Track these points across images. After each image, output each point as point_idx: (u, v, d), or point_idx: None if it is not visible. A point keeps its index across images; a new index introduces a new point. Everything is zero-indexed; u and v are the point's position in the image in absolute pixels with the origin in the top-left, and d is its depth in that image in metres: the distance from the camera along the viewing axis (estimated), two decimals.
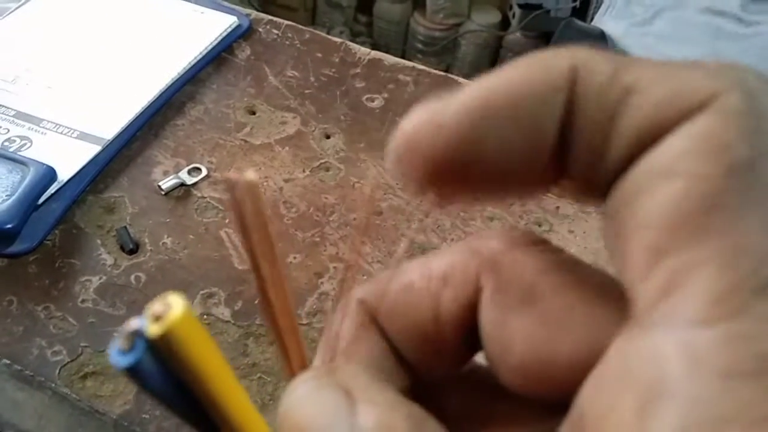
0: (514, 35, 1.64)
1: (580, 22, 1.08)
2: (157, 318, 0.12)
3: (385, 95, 0.56)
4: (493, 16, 1.69)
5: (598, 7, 1.27)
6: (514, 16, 1.63)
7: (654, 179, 0.13)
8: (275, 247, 0.14)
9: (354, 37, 1.72)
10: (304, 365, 0.16)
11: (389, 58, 0.59)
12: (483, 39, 1.69)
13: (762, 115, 0.13)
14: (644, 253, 0.13)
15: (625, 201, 0.14)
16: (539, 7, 1.58)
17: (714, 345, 0.12)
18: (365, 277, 0.43)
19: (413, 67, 0.59)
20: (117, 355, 0.12)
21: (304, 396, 0.15)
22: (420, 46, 1.71)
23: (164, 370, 0.12)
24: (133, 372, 0.12)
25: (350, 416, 0.15)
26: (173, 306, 0.12)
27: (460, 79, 0.58)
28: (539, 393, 0.15)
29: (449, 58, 1.73)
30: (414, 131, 0.15)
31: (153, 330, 0.12)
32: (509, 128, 0.14)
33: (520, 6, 1.58)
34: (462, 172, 0.15)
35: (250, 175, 0.14)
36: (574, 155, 0.15)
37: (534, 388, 0.15)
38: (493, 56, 1.73)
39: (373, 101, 0.56)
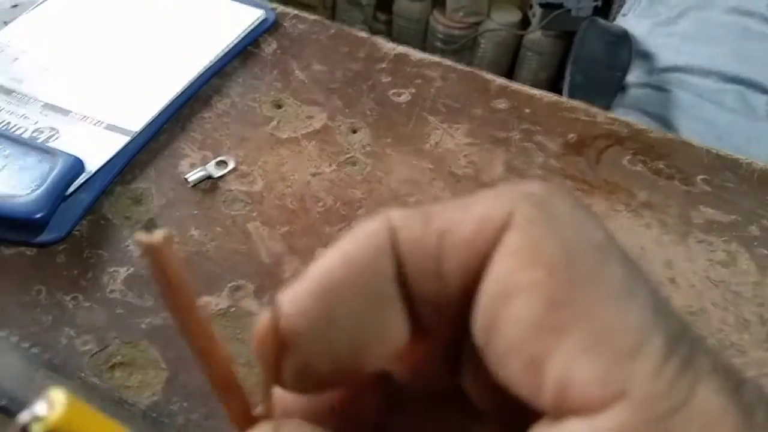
0: (534, 34, 1.62)
1: (603, 21, 1.07)
2: (39, 418, 0.12)
3: (412, 90, 0.56)
4: (513, 15, 1.68)
5: (620, 7, 1.26)
6: (534, 15, 1.62)
7: (498, 306, 0.14)
8: (195, 303, 0.15)
9: (373, 35, 1.72)
10: (248, 418, 0.17)
11: (415, 54, 0.59)
12: (502, 38, 1.68)
13: (553, 214, 0.15)
14: (525, 371, 0.14)
15: (486, 335, 0.15)
16: (560, 6, 1.57)
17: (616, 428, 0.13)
18: None
19: (440, 62, 0.58)
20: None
21: None
22: (439, 44, 1.71)
23: None
24: None
25: None
26: (55, 404, 0.12)
27: (487, 75, 0.58)
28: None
29: (468, 56, 1.72)
30: (262, 335, 0.16)
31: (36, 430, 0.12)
32: (353, 303, 0.16)
33: (541, 5, 1.57)
34: (325, 356, 0.16)
35: (159, 235, 0.14)
36: (419, 307, 0.16)
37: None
38: (512, 55, 1.72)
39: (399, 96, 0.55)
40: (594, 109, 0.55)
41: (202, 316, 0.15)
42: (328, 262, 0.16)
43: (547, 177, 0.50)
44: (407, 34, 1.73)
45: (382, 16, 1.78)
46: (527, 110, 0.55)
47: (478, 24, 1.69)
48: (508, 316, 0.14)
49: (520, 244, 0.15)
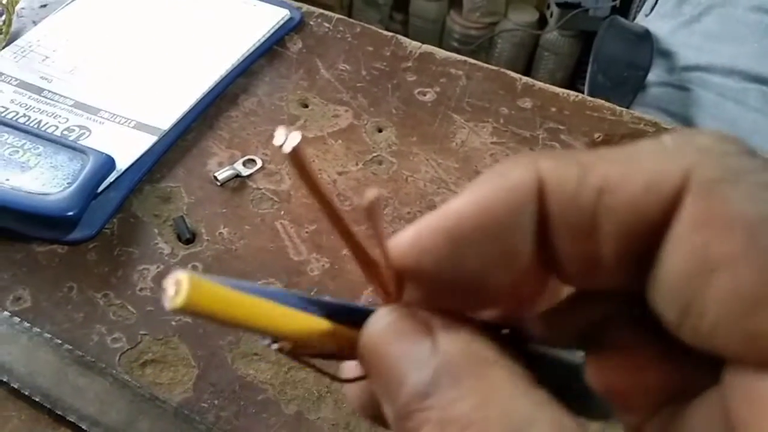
0: (552, 34, 1.62)
1: (624, 21, 1.07)
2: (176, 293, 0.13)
3: (437, 89, 0.56)
4: (530, 15, 1.67)
5: (640, 6, 1.25)
6: (551, 14, 1.61)
7: (696, 284, 0.13)
8: (330, 193, 0.16)
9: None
10: (388, 291, 0.17)
11: (440, 52, 0.59)
12: (519, 38, 1.67)
13: (735, 170, 0.13)
14: (745, 344, 0.13)
15: (683, 313, 0.14)
16: (578, 5, 1.56)
17: None
18: None
19: (465, 60, 0.58)
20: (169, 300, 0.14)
21: (386, 326, 0.16)
22: (456, 44, 1.71)
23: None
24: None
25: (431, 344, 0.15)
26: (182, 284, 0.13)
27: (512, 74, 0.57)
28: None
29: (485, 56, 1.72)
30: (399, 254, 0.16)
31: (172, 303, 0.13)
32: (484, 250, 0.15)
33: (558, 4, 1.57)
34: (448, 291, 0.16)
35: (294, 138, 0.14)
36: (563, 263, 0.15)
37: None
38: (529, 55, 1.71)
39: (424, 95, 0.55)
40: (619, 108, 0.55)
41: (337, 203, 0.16)
42: (462, 206, 0.15)
43: None
44: (424, 34, 1.73)
45: (399, 16, 1.78)
46: (553, 109, 0.55)
47: (494, 24, 1.69)
48: (714, 294, 0.13)
49: (708, 210, 0.13)
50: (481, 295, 0.16)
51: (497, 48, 1.70)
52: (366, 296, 0.42)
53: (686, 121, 0.95)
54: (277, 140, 0.14)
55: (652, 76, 1.01)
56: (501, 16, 1.69)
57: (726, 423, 0.14)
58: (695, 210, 0.13)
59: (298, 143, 0.14)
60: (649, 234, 0.14)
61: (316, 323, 0.16)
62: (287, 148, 0.14)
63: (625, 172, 0.14)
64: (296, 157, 0.14)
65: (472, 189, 0.15)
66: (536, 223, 0.15)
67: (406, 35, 0.60)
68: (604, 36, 1.00)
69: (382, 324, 0.16)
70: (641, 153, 0.14)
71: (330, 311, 0.17)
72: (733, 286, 0.13)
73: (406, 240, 0.16)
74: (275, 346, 0.16)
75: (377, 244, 0.16)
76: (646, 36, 1.00)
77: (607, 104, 0.56)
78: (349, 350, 0.17)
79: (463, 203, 0.15)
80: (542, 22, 1.67)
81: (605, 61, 0.96)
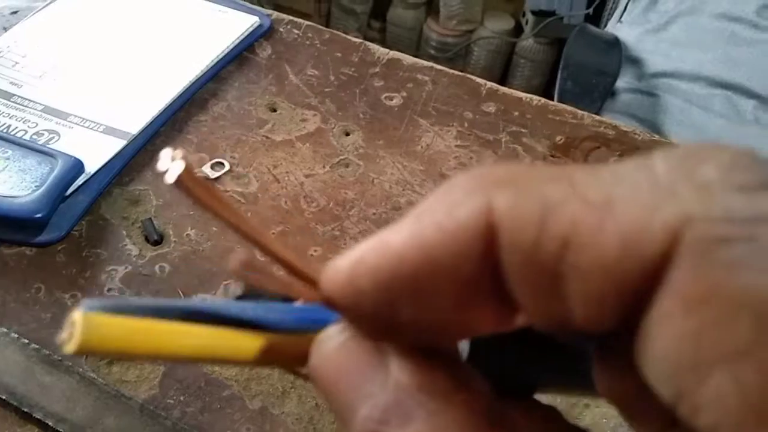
0: (527, 41, 1.64)
1: (593, 28, 1.09)
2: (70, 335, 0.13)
3: (404, 94, 0.57)
4: (506, 23, 1.70)
5: (611, 14, 1.28)
6: (527, 22, 1.64)
7: (693, 379, 0.10)
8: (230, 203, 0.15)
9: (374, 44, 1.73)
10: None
11: (407, 58, 0.60)
12: (496, 45, 1.70)
13: (750, 219, 0.10)
14: None
15: (686, 407, 0.11)
16: (552, 13, 1.59)
17: None
18: None
19: (431, 66, 0.60)
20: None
21: (336, 349, 0.15)
22: (433, 52, 1.73)
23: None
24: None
25: (383, 375, 0.14)
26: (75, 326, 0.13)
27: (477, 79, 0.59)
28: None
29: (462, 64, 1.74)
30: (333, 288, 0.15)
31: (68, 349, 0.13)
32: (425, 297, 0.14)
33: (533, 12, 1.59)
34: (389, 329, 0.15)
35: (178, 162, 0.13)
36: (527, 313, 0.13)
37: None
38: (505, 62, 1.74)
39: (391, 100, 0.57)
40: (581, 112, 0.57)
41: (237, 210, 0.15)
42: (402, 247, 0.13)
43: None
44: (401, 42, 1.75)
45: (376, 24, 1.80)
46: (516, 113, 0.56)
47: (471, 32, 1.71)
48: (712, 395, 0.10)
49: (703, 284, 0.10)
50: (426, 334, 0.15)
51: (474, 55, 1.72)
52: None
53: (655, 127, 0.97)
54: (161, 166, 0.13)
55: (621, 83, 1.03)
56: (477, 24, 1.71)
57: None
58: (686, 283, 0.10)
59: (183, 170, 0.13)
60: (628, 300, 0.11)
61: (247, 341, 0.15)
62: (170, 179, 0.13)
63: (597, 221, 0.11)
64: (184, 185, 0.13)
65: (415, 222, 0.13)
66: (488, 272, 0.13)
67: (383, 43, 0.62)
68: (574, 43, 1.02)
69: (333, 346, 0.15)
70: (624, 189, 0.11)
71: (267, 319, 0.15)
72: (736, 389, 0.10)
73: (340, 276, 0.14)
74: None
75: (295, 273, 0.15)
76: (614, 43, 1.03)
77: (569, 108, 0.57)
78: (295, 360, 0.16)
79: (403, 243, 0.13)
80: (518, 30, 1.70)
81: (574, 67, 0.98)
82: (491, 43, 1.69)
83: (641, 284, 0.11)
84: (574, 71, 0.98)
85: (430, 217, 0.13)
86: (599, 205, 0.11)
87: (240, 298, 0.15)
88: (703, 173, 0.11)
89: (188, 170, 0.13)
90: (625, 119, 0.98)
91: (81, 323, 0.12)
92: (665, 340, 0.11)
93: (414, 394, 0.14)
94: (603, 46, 1.03)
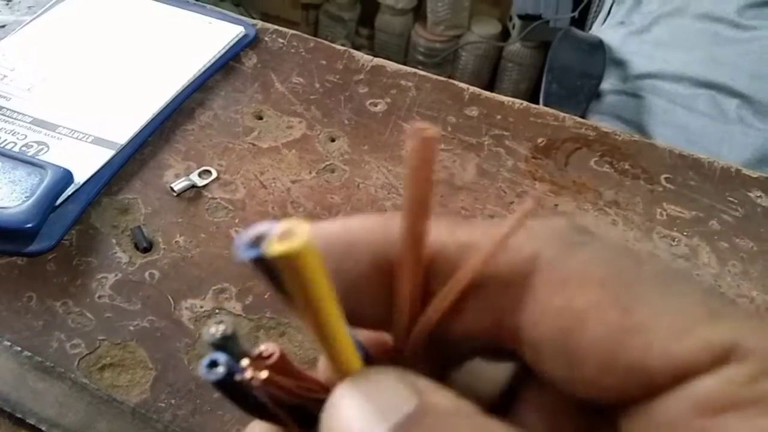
0: (514, 46, 1.66)
1: (578, 31, 1.10)
2: (284, 238, 0.12)
3: (388, 100, 0.58)
4: (493, 27, 1.71)
5: (596, 17, 1.30)
6: (513, 27, 1.65)
7: (571, 334, 0.15)
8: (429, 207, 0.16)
9: (356, 49, 1.75)
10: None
11: (391, 65, 0.61)
12: (483, 50, 1.71)
13: (576, 242, 0.16)
14: (627, 374, 0.14)
15: (567, 363, 0.15)
16: (539, 17, 1.60)
17: None
18: None
19: (415, 72, 0.61)
20: (244, 247, 0.13)
21: (350, 407, 0.15)
22: (421, 57, 1.74)
23: (277, 275, 0.13)
24: (251, 263, 0.13)
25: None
26: (297, 235, 0.12)
27: (461, 84, 0.60)
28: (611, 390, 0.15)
29: (450, 69, 1.75)
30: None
31: (273, 249, 0.12)
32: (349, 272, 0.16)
33: (520, 17, 1.61)
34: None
35: (431, 131, 0.14)
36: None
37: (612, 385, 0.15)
38: (493, 67, 1.75)
39: (376, 106, 0.58)
40: (562, 114, 0.58)
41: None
42: (331, 229, 0.16)
43: (517, 179, 0.52)
44: (389, 49, 1.76)
45: (365, 31, 1.81)
46: (498, 117, 0.57)
47: (458, 37, 1.73)
48: (589, 340, 0.15)
49: (560, 274, 0.15)
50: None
51: (461, 60, 1.73)
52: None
53: (640, 128, 0.98)
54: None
55: (606, 85, 1.04)
56: (465, 29, 1.73)
57: None
58: (549, 276, 0.15)
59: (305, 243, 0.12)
60: (505, 293, 0.16)
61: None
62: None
63: (485, 234, 0.16)
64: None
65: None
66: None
67: (371, 50, 0.63)
68: (558, 47, 1.03)
69: (346, 405, 0.15)
70: (503, 225, 0.16)
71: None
72: (602, 327, 0.14)
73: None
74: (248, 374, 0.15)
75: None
76: (599, 46, 1.04)
77: (551, 111, 0.58)
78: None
79: (333, 228, 0.17)
80: (505, 34, 1.71)
81: (559, 70, 1.00)
82: (479, 47, 1.70)
83: (515, 279, 0.16)
84: (558, 74, 0.99)
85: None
86: (486, 228, 0.16)
87: (225, 338, 0.15)
88: (555, 224, 0.17)
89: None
90: (610, 121, 0.99)
91: (308, 233, 0.12)
92: (547, 316, 0.15)
93: None
94: (587, 49, 1.04)
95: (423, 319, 0.16)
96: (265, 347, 0.16)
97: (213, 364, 0.15)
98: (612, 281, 0.15)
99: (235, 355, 0.15)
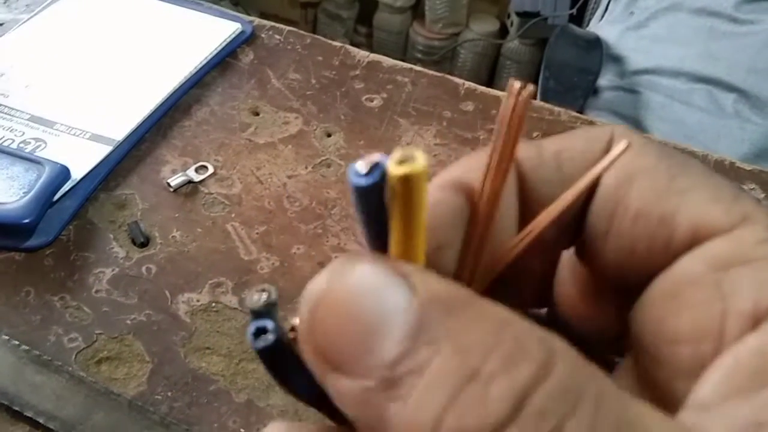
0: (513, 43, 1.66)
1: (575, 28, 1.11)
2: (401, 162, 0.13)
3: (384, 95, 0.58)
4: (492, 25, 1.72)
5: (593, 14, 1.30)
6: (512, 24, 1.65)
7: (621, 189, 0.18)
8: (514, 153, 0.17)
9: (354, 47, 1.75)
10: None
11: (387, 60, 0.62)
12: (482, 47, 1.71)
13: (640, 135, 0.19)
14: (659, 226, 0.17)
15: (610, 215, 0.18)
16: (537, 14, 1.60)
17: None
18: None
19: (411, 68, 0.61)
20: (355, 174, 0.14)
21: (357, 275, 0.14)
22: (419, 55, 1.74)
23: (380, 202, 0.14)
24: (362, 191, 0.14)
25: (409, 286, 0.13)
26: (417, 159, 0.13)
27: (456, 79, 0.60)
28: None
29: (449, 66, 1.75)
30: None
31: (396, 171, 0.13)
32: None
33: (518, 14, 1.61)
34: None
35: (529, 88, 0.16)
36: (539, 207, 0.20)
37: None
38: (492, 64, 1.75)
39: (372, 101, 0.58)
40: (557, 109, 0.58)
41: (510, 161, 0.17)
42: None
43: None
44: (387, 47, 1.77)
45: (363, 29, 1.82)
46: (493, 111, 0.57)
47: (457, 35, 1.73)
48: (635, 191, 0.17)
49: (631, 144, 0.18)
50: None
51: (460, 58, 1.73)
52: None
53: (636, 123, 0.99)
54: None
55: (603, 81, 1.05)
56: (463, 27, 1.73)
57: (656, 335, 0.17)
58: (618, 147, 0.18)
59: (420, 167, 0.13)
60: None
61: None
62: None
63: (568, 140, 0.19)
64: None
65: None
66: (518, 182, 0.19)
67: (370, 48, 0.63)
68: (556, 43, 1.03)
69: (352, 272, 0.14)
70: (575, 133, 0.19)
71: None
72: (648, 184, 0.17)
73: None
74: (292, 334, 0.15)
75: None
76: (596, 42, 1.04)
77: (546, 105, 0.59)
78: None
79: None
80: (503, 32, 1.72)
81: (556, 67, 1.00)
82: (477, 45, 1.71)
83: (598, 156, 0.18)
84: (556, 70, 0.99)
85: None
86: (567, 136, 0.20)
87: (269, 305, 0.14)
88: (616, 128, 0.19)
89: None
90: (607, 116, 1.00)
91: (425, 158, 0.13)
92: (610, 174, 0.18)
93: (450, 294, 0.13)
94: (584, 45, 1.04)
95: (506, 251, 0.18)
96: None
97: (259, 332, 0.14)
98: (666, 156, 0.18)
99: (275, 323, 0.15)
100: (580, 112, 0.85)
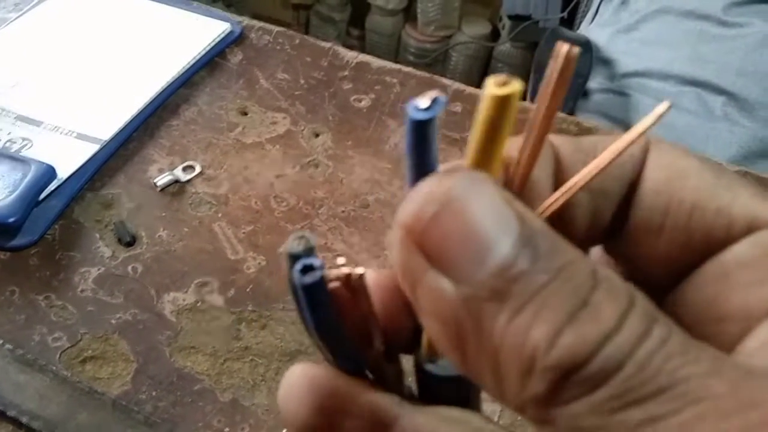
0: (504, 46, 1.66)
1: (566, 30, 1.11)
2: (502, 85, 0.14)
3: (372, 96, 0.58)
4: (484, 28, 1.72)
5: (584, 16, 1.30)
6: (503, 27, 1.66)
7: (672, 185, 0.18)
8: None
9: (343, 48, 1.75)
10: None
11: (376, 61, 0.62)
12: (473, 50, 1.71)
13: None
14: (716, 216, 0.18)
15: (665, 208, 0.19)
16: (528, 17, 1.61)
17: None
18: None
19: (399, 69, 0.61)
20: (415, 109, 0.15)
21: (462, 182, 0.15)
22: (411, 58, 1.74)
23: (433, 136, 0.15)
24: (421, 124, 0.15)
25: (518, 213, 0.14)
26: (514, 82, 0.14)
27: (445, 80, 0.60)
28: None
29: (441, 69, 1.76)
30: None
31: (498, 91, 0.14)
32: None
33: (510, 17, 1.61)
34: None
35: (575, 50, 0.16)
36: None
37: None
38: (483, 67, 1.75)
39: (360, 102, 0.58)
40: None
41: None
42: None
43: None
44: (379, 49, 1.77)
45: (355, 32, 1.82)
46: None
47: (449, 37, 1.73)
48: (690, 187, 0.18)
49: (669, 148, 0.19)
50: None
51: (452, 60, 1.74)
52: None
53: (626, 125, 0.99)
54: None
55: (593, 83, 1.05)
56: (455, 30, 1.73)
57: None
58: (661, 147, 0.19)
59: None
60: (631, 170, 0.19)
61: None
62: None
63: (607, 136, 0.19)
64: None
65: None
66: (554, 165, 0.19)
67: (362, 50, 0.63)
68: (545, 46, 1.04)
69: (480, 191, 0.15)
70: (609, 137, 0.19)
71: None
72: (699, 180, 0.18)
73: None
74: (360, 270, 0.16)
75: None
76: (585, 45, 1.04)
77: (533, 106, 0.59)
78: None
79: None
80: (495, 35, 1.72)
81: (546, 69, 1.00)
82: (469, 48, 1.71)
83: (639, 155, 0.19)
84: (545, 73, 0.99)
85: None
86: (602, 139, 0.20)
87: (308, 250, 0.15)
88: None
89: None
90: (597, 119, 1.00)
91: (519, 85, 0.15)
92: (657, 170, 0.19)
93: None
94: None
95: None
96: (346, 266, 0.16)
97: (305, 269, 0.15)
98: (705, 159, 0.19)
99: None
100: (571, 114, 0.85)
